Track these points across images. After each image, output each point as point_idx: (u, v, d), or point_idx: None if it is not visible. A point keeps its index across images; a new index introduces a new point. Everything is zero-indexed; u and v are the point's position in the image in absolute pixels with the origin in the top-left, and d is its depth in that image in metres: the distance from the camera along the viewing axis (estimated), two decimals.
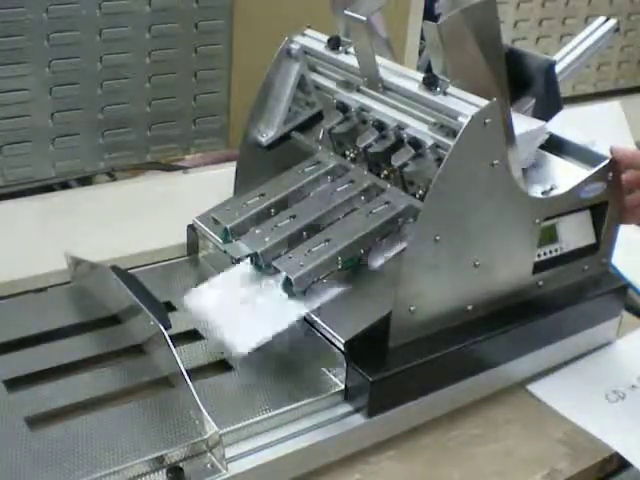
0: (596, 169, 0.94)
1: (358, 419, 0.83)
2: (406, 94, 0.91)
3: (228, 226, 0.92)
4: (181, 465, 0.74)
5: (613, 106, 1.63)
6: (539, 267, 0.94)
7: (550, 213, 0.93)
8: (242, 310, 0.86)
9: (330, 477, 0.81)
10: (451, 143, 0.82)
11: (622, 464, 0.87)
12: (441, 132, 0.87)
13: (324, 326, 0.85)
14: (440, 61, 0.88)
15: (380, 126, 0.93)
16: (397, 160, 0.89)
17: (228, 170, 1.08)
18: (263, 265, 0.88)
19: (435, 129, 0.87)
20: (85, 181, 1.25)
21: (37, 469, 0.72)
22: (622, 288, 1.02)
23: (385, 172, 0.95)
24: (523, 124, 0.94)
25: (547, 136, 0.98)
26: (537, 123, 0.97)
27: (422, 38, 1.38)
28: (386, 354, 0.84)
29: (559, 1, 1.69)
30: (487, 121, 0.81)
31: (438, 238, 0.83)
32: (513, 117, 0.88)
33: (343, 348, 0.83)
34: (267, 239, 0.89)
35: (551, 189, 0.95)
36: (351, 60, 0.97)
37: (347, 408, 0.84)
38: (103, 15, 1.14)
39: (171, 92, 1.24)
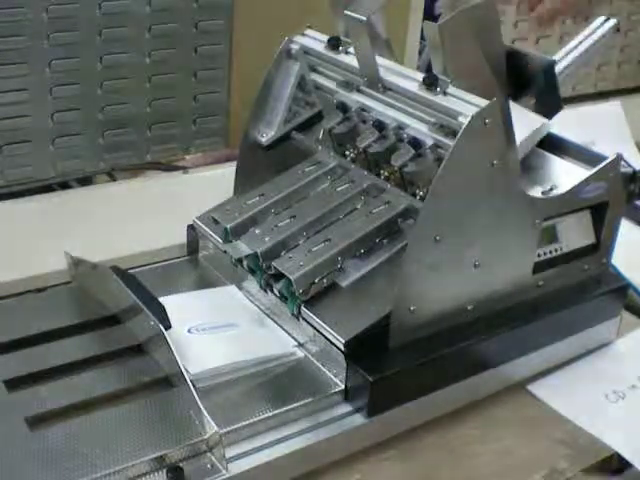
0: (596, 169, 0.94)
1: (358, 419, 0.83)
2: (406, 94, 0.91)
3: (228, 226, 0.92)
4: (181, 465, 0.74)
5: (613, 106, 1.62)
6: (539, 267, 0.94)
7: (550, 213, 0.93)
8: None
9: (330, 477, 0.81)
10: (451, 143, 0.82)
11: (622, 464, 0.87)
12: (441, 132, 0.87)
13: (324, 326, 0.85)
14: (440, 61, 0.88)
15: (380, 126, 0.93)
16: (397, 160, 0.89)
17: (228, 170, 1.08)
18: (263, 265, 0.88)
19: (435, 129, 0.87)
20: (85, 181, 1.25)
21: (37, 469, 0.72)
22: (622, 288, 1.02)
23: (385, 172, 0.95)
24: (524, 120, 0.93)
25: (547, 131, 0.97)
26: (539, 121, 0.96)
27: (422, 38, 1.39)
28: (386, 354, 0.84)
29: None
30: (487, 121, 0.81)
31: (438, 238, 0.82)
32: (516, 112, 0.87)
33: (343, 348, 0.83)
34: (267, 239, 0.89)
35: (551, 189, 0.95)
36: (351, 60, 0.97)
37: (347, 408, 0.84)
38: (103, 15, 1.13)
39: (171, 92, 1.24)
